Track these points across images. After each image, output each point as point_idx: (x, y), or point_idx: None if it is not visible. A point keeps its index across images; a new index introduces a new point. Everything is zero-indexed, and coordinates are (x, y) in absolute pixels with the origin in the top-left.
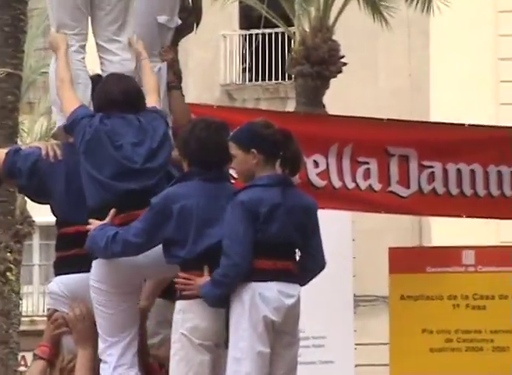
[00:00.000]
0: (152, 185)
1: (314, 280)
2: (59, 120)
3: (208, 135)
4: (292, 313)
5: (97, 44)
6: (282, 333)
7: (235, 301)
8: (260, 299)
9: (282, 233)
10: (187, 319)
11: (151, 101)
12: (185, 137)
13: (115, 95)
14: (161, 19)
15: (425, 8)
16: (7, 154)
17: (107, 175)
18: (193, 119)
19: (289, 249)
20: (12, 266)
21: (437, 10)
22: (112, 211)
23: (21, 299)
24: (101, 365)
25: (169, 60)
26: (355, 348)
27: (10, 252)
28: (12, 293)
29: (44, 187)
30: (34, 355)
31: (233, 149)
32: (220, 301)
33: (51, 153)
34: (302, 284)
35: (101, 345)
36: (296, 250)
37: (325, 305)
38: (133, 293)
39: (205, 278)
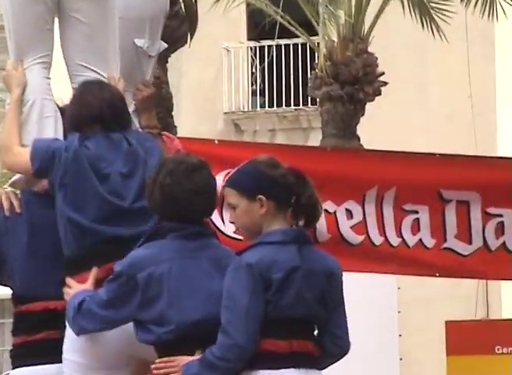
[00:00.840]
0: (146, 231)
1: (356, 363)
2: None
3: (174, 181)
4: None
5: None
6: None
7: None
8: None
9: (299, 305)
10: None
11: None
12: (148, 185)
13: (97, 109)
14: (140, 42)
15: (487, 11)
16: None
17: (90, 217)
18: (161, 160)
19: (308, 326)
20: None
21: (502, 14)
22: (94, 270)
23: None
24: None
25: (145, 98)
26: None
27: None
28: None
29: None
30: None
31: (233, 197)
32: None
33: (5, 205)
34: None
35: None
36: (315, 327)
37: None
38: (121, 369)
39: (190, 358)
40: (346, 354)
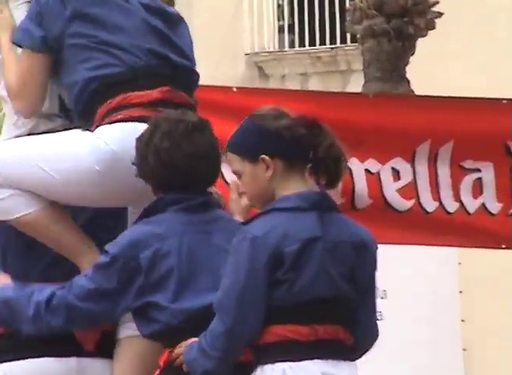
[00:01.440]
0: None
1: (410, 354)
2: None
3: (172, 144)
4: None
5: None
6: None
7: None
8: None
9: (322, 283)
10: None
11: None
12: (140, 149)
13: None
14: None
15: None
16: None
17: None
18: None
19: (336, 308)
20: None
21: None
22: None
23: None
24: None
25: None
26: None
27: None
28: None
29: None
30: None
31: (236, 163)
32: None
33: None
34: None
35: None
36: (346, 309)
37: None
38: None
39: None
40: (372, 344)
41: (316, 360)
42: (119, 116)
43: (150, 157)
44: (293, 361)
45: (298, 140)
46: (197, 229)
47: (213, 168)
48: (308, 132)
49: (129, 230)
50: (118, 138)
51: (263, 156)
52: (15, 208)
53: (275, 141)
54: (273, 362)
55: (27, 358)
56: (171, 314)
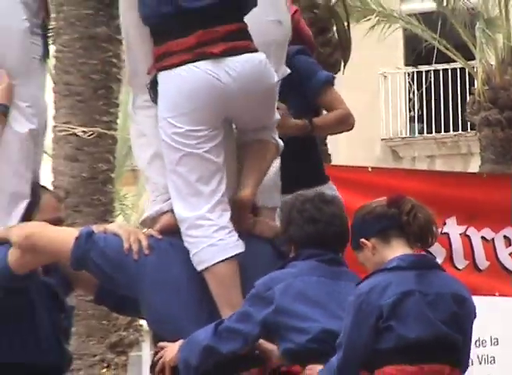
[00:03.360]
0: None
1: None
2: (152, 204)
3: (313, 207)
4: None
5: None
6: None
7: None
8: None
9: (423, 327)
10: None
11: None
12: (284, 218)
13: None
14: None
15: None
16: (76, 239)
17: None
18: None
19: (441, 349)
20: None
21: None
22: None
23: None
24: (190, 231)
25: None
26: None
27: (107, 367)
28: None
29: (130, 295)
30: None
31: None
32: None
33: (134, 246)
34: None
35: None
36: (455, 351)
37: None
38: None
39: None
40: None
41: None
42: None
43: (295, 218)
44: None
45: (380, 217)
46: (330, 276)
47: (345, 230)
48: (387, 208)
49: (272, 273)
50: None
51: (362, 240)
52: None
53: (363, 224)
54: None
55: None
56: (308, 337)
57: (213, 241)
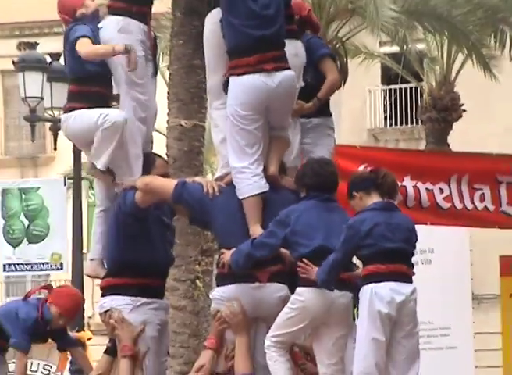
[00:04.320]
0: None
1: (440, 283)
2: (220, 168)
3: (319, 165)
4: (406, 307)
5: None
6: (400, 325)
7: (361, 299)
8: (375, 296)
9: (388, 242)
10: (301, 300)
11: None
12: (301, 171)
13: None
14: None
15: None
16: (176, 185)
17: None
18: (306, 160)
19: (401, 255)
20: (200, 275)
21: None
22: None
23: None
24: (238, 175)
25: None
26: (474, 337)
27: (199, 265)
28: (201, 296)
29: (208, 220)
30: (204, 346)
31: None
32: (328, 284)
33: (210, 190)
34: None
35: (235, 159)
36: (410, 256)
37: (449, 302)
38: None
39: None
40: None
41: (390, 282)
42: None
43: (308, 173)
44: (376, 283)
45: (366, 179)
46: (322, 209)
47: (336, 181)
48: (372, 174)
49: (290, 207)
50: None
51: (353, 193)
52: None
53: (354, 182)
54: (367, 284)
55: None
56: (305, 248)
57: (250, 182)
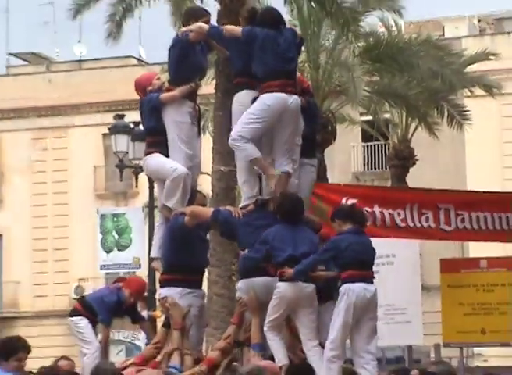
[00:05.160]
0: None
1: (400, 277)
2: (243, 200)
3: (290, 199)
4: (370, 300)
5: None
6: (367, 312)
7: (340, 293)
8: (351, 292)
9: (359, 255)
10: (279, 291)
11: None
12: (279, 202)
13: None
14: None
15: (459, 129)
16: (213, 211)
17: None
18: (281, 194)
19: (368, 264)
20: (234, 273)
21: (468, 129)
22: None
23: None
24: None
25: None
26: (423, 314)
27: (233, 265)
28: (235, 287)
29: (233, 233)
30: (230, 322)
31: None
32: (301, 276)
33: (236, 215)
34: None
35: None
36: (372, 263)
37: (406, 290)
38: None
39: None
40: None
41: (361, 283)
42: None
43: (281, 201)
44: (352, 283)
45: (343, 211)
46: (291, 229)
47: (302, 208)
48: (347, 208)
49: (269, 229)
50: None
51: (335, 220)
52: None
53: (336, 214)
54: (346, 283)
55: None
56: (280, 256)
57: (252, 147)
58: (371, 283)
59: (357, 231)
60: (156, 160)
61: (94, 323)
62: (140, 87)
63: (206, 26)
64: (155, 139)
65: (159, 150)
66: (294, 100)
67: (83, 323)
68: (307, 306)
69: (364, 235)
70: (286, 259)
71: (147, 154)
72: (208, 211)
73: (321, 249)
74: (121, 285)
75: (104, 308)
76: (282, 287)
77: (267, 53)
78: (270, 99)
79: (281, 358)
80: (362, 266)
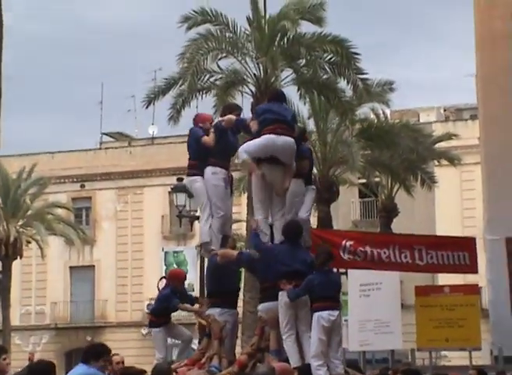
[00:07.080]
0: None
1: (385, 299)
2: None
3: (293, 226)
4: (335, 323)
5: None
6: (334, 331)
7: (313, 319)
8: (321, 317)
9: (329, 289)
10: (282, 299)
11: None
12: (284, 227)
13: None
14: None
15: (430, 189)
16: (238, 253)
17: None
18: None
19: (334, 296)
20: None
21: (436, 190)
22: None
23: None
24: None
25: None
26: (402, 327)
27: None
28: None
29: (254, 269)
30: (254, 333)
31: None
32: (296, 297)
33: (255, 257)
34: None
35: None
36: (338, 298)
37: (389, 309)
38: None
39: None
40: None
41: (330, 310)
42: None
43: (284, 230)
44: (322, 311)
45: (324, 251)
46: (289, 248)
47: (300, 232)
48: (321, 248)
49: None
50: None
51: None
52: None
53: (319, 252)
54: (315, 311)
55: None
56: (279, 271)
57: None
58: (337, 309)
59: (325, 271)
60: (200, 183)
61: (168, 319)
62: (198, 120)
63: (234, 120)
64: (196, 163)
65: (200, 173)
66: None
67: (154, 333)
68: (303, 308)
69: (334, 273)
70: (285, 273)
71: (189, 175)
72: (234, 253)
73: (303, 284)
74: (168, 282)
75: (165, 301)
76: (284, 295)
77: None
78: None
79: (295, 360)
80: (327, 298)
